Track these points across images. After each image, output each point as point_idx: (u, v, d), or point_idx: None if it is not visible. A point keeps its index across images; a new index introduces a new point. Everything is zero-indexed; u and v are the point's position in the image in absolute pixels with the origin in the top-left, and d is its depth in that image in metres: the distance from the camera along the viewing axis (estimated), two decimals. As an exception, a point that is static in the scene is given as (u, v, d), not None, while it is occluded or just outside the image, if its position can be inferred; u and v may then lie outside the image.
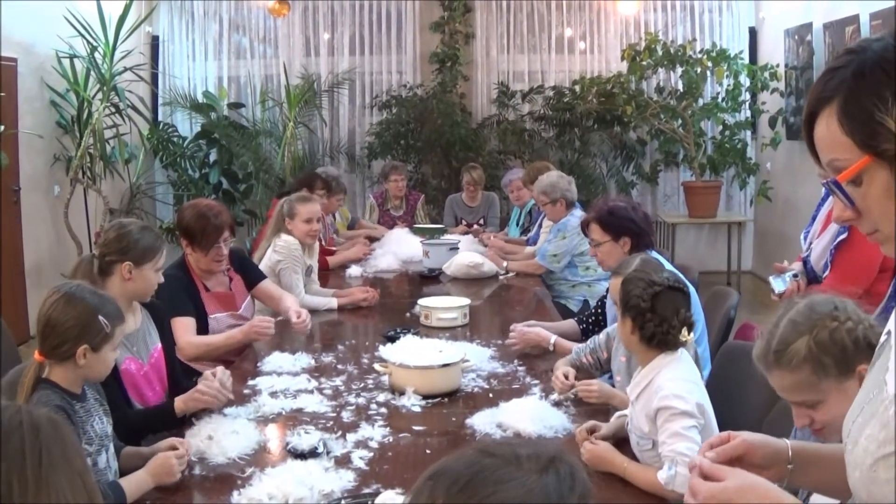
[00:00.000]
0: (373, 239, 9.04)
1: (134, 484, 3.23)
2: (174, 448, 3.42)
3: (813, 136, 1.75)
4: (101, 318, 3.23)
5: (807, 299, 2.42)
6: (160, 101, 13.12)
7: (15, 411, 1.72)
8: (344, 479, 3.27)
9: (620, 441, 3.58)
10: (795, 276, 4.71)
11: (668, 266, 4.53)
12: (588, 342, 4.72)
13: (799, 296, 2.47)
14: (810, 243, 4.85)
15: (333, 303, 6.31)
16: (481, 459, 1.52)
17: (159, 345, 4.31)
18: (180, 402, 3.89)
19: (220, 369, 4.09)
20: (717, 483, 1.99)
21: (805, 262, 4.86)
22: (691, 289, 4.81)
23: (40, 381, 3.23)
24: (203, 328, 5.13)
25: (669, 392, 3.26)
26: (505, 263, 7.64)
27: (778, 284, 4.68)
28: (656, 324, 3.42)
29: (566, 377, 4.28)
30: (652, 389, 3.33)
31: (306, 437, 3.63)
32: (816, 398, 2.32)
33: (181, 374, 4.49)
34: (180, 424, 3.86)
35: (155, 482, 3.27)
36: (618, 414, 3.73)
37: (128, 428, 3.68)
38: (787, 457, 2.19)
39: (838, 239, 4.49)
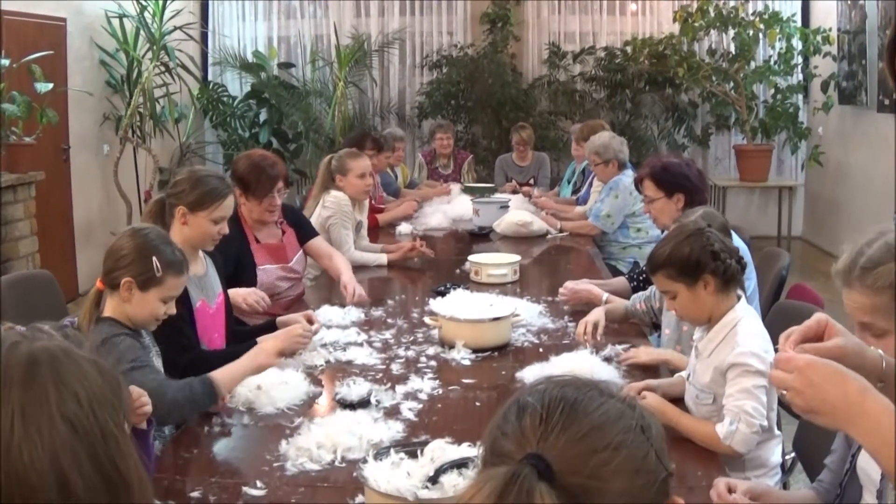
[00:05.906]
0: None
1: (228, 374, 3.39)
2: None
3: (895, 61, 1.70)
4: (155, 259, 3.26)
5: None
6: (210, 60, 13.19)
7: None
8: (393, 430, 3.26)
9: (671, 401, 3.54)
10: None
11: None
12: (645, 290, 4.71)
13: None
14: None
15: (383, 258, 6.28)
16: (572, 383, 1.52)
17: (221, 292, 4.32)
18: (270, 344, 3.61)
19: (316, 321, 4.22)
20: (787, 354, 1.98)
21: None
22: (744, 245, 4.76)
23: (99, 319, 3.29)
24: (251, 279, 5.10)
25: (747, 349, 3.21)
26: (559, 224, 7.59)
27: None
28: (728, 256, 3.37)
29: (595, 327, 4.31)
30: (728, 344, 3.28)
31: (355, 388, 3.61)
32: (886, 327, 2.15)
33: (234, 325, 4.47)
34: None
35: (255, 365, 3.46)
36: (678, 374, 3.68)
37: (211, 368, 3.46)
38: (879, 370, 2.08)
39: None
